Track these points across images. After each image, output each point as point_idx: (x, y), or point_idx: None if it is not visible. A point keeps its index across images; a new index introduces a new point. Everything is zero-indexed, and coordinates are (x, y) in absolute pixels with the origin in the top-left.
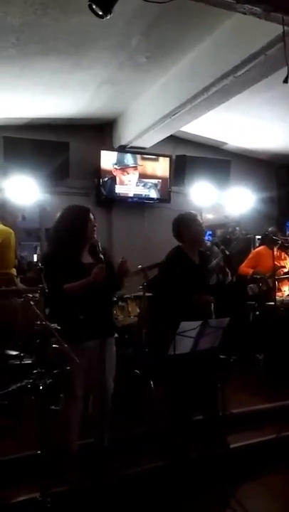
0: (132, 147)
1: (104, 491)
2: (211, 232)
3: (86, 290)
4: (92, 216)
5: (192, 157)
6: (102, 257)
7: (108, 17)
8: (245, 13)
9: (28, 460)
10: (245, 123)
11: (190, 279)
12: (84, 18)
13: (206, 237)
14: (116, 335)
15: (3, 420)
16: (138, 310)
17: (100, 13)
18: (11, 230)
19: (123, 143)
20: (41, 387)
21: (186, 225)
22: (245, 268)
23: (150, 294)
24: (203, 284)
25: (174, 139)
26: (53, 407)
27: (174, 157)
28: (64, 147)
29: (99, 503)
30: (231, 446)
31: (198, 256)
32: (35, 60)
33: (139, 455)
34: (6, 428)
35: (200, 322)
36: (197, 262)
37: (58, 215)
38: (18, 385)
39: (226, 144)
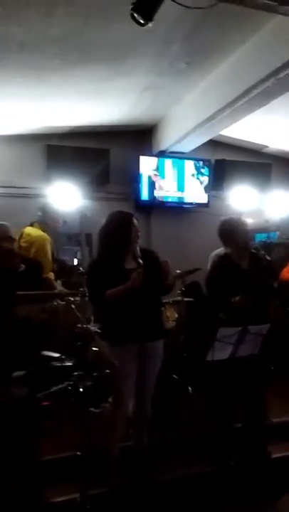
0: (171, 152)
1: (142, 494)
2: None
3: (127, 294)
4: (135, 221)
5: (232, 161)
6: (140, 261)
7: (149, 25)
8: (286, 15)
9: (68, 461)
10: (286, 125)
11: (237, 285)
12: (125, 26)
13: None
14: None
15: (45, 421)
16: (176, 315)
17: (142, 21)
18: (46, 236)
19: (162, 148)
20: (81, 390)
21: (233, 230)
22: (287, 273)
23: (188, 299)
24: (252, 288)
25: (213, 143)
26: (92, 409)
27: (213, 161)
28: (104, 154)
29: (137, 507)
30: (273, 456)
31: (249, 259)
32: (77, 69)
33: (178, 460)
34: (48, 429)
35: (239, 328)
36: (246, 266)
37: (103, 220)
38: (59, 386)
39: (266, 147)
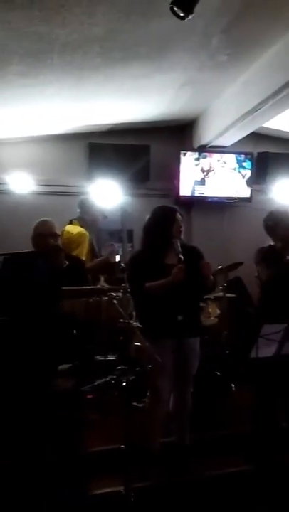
0: (212, 146)
1: (185, 490)
2: None
3: (167, 289)
4: (178, 216)
5: (275, 153)
6: (181, 257)
7: (189, 17)
8: None
9: (112, 453)
10: None
11: (282, 279)
12: (164, 21)
13: None
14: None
15: (90, 414)
16: (218, 311)
17: (182, 14)
18: (84, 232)
19: (203, 143)
20: (124, 384)
21: (278, 223)
22: None
23: (231, 295)
24: None
25: (256, 136)
26: (134, 403)
27: (255, 154)
28: (145, 150)
29: (179, 502)
30: None
31: None
32: (117, 67)
33: (219, 458)
34: (93, 421)
35: (285, 325)
36: None
37: (148, 215)
38: (103, 380)
39: None
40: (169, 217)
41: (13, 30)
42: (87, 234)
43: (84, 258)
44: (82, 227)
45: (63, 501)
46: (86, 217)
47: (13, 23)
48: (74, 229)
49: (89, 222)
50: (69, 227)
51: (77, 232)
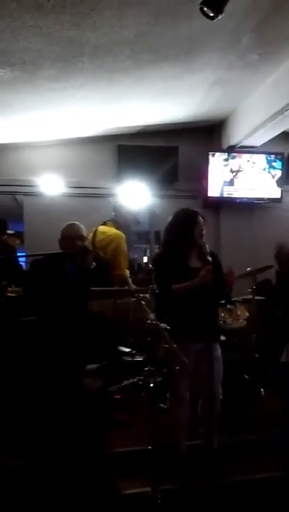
0: (241, 147)
1: (212, 494)
2: None
3: (193, 292)
4: (200, 219)
5: None
6: (209, 259)
7: (219, 17)
8: None
9: (139, 454)
10: None
11: None
12: (194, 22)
13: None
14: (223, 338)
15: (118, 414)
16: (247, 313)
17: (211, 14)
18: (122, 234)
19: (232, 143)
20: (151, 385)
21: None
22: None
23: (260, 298)
24: None
25: (286, 136)
26: (161, 405)
27: (286, 154)
28: (173, 151)
29: (206, 506)
30: None
31: None
32: (147, 69)
33: (249, 462)
34: (121, 421)
35: None
36: None
37: (170, 218)
38: (131, 381)
39: None
40: (191, 220)
41: (45, 35)
42: (124, 236)
43: (122, 259)
44: (116, 229)
45: (94, 500)
46: (120, 220)
47: (44, 29)
48: (110, 230)
49: (122, 225)
50: (104, 228)
51: (115, 233)
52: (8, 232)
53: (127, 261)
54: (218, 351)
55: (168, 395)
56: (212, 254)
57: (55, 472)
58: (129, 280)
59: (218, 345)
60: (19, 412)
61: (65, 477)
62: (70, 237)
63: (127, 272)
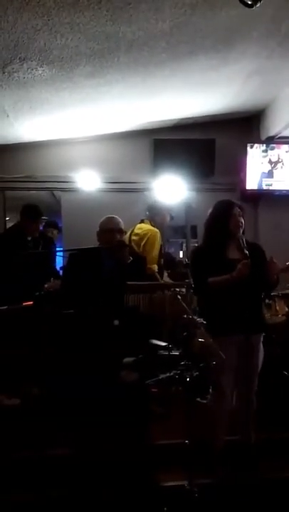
0: (281, 137)
1: (249, 490)
2: None
3: (231, 285)
4: (236, 210)
5: None
6: (246, 252)
7: (258, 5)
8: None
9: (176, 448)
10: None
11: None
12: (232, 11)
13: None
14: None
15: (155, 407)
16: (286, 309)
17: (250, 2)
18: (156, 230)
19: (271, 134)
20: (188, 379)
21: None
22: None
23: None
24: None
25: None
26: (198, 399)
27: None
28: (210, 144)
29: (243, 502)
30: None
31: None
32: (183, 61)
33: (285, 459)
34: (158, 415)
35: None
36: None
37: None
38: (167, 374)
39: None
40: (227, 211)
41: (82, 32)
42: (159, 232)
43: (153, 254)
44: (152, 226)
45: (132, 492)
46: (156, 218)
47: (81, 25)
48: (146, 226)
49: (158, 222)
50: (140, 225)
51: (149, 229)
52: (44, 218)
53: (157, 256)
54: (260, 344)
55: (211, 390)
56: (254, 246)
57: (94, 463)
58: (157, 275)
59: (260, 338)
60: (59, 402)
61: (104, 468)
62: (111, 229)
63: (155, 267)
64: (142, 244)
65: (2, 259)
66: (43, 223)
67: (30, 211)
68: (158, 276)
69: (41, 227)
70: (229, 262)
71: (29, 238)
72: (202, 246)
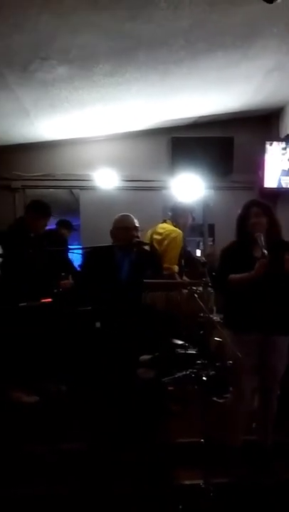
0: None
1: (265, 491)
2: None
3: (250, 283)
4: (254, 210)
5: None
6: (264, 251)
7: (278, 0)
8: None
9: (192, 446)
10: None
11: None
12: (252, 7)
13: None
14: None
15: (171, 405)
16: None
17: None
18: (179, 231)
19: None
20: (204, 378)
21: None
22: None
23: None
24: None
25: None
26: (214, 398)
27: None
28: (228, 142)
29: (259, 503)
30: None
31: None
32: (202, 59)
33: None
34: (174, 413)
35: None
36: None
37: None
38: (183, 373)
39: None
40: (244, 211)
41: (101, 31)
42: (182, 233)
43: (174, 254)
44: (175, 227)
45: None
46: (179, 219)
47: (100, 24)
48: (168, 226)
49: (181, 223)
50: (163, 225)
51: (172, 230)
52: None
53: (178, 257)
54: (283, 346)
55: (230, 390)
56: (280, 243)
57: (110, 459)
58: (177, 276)
59: (285, 340)
60: (77, 399)
61: (120, 465)
62: (127, 227)
63: (176, 268)
64: (165, 244)
65: (14, 256)
66: (56, 222)
67: (38, 207)
68: (178, 277)
69: (54, 226)
70: (255, 260)
71: (32, 235)
72: (232, 243)
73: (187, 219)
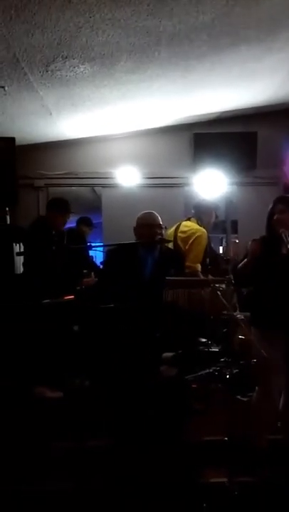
0: None
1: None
2: None
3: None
4: (279, 207)
5: None
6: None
7: None
8: None
9: (216, 445)
10: None
11: None
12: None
13: None
14: None
15: (194, 403)
16: None
17: None
18: (204, 230)
19: None
20: (228, 376)
21: None
22: None
23: None
24: None
25: None
26: (239, 397)
27: None
28: (252, 137)
29: (283, 503)
30: None
31: None
32: (225, 53)
33: None
34: (198, 411)
35: None
36: None
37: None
38: (207, 371)
39: None
40: (271, 208)
41: (122, 28)
42: (206, 232)
43: (199, 253)
44: (199, 225)
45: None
46: (202, 216)
47: (122, 21)
48: (193, 225)
49: (205, 221)
50: (187, 223)
51: (197, 228)
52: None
53: (200, 255)
54: None
55: (256, 388)
56: None
57: (133, 456)
58: (200, 273)
59: None
60: (98, 396)
61: (143, 462)
62: (151, 225)
63: (199, 267)
64: (190, 242)
65: (36, 253)
66: (77, 219)
67: (58, 205)
68: (200, 275)
69: (74, 224)
70: (279, 258)
71: (53, 232)
72: (263, 241)
73: (211, 217)
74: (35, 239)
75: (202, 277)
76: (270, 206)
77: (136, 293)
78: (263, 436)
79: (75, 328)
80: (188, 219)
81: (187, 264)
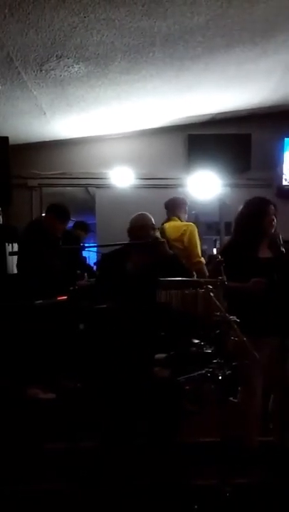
0: None
1: (281, 492)
2: None
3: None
4: (271, 208)
5: None
6: (283, 250)
7: None
8: None
9: (208, 446)
10: None
11: None
12: (270, 2)
13: None
14: None
15: (187, 404)
16: None
17: None
18: (191, 223)
19: None
20: (220, 378)
21: None
22: None
23: None
24: None
25: None
26: (231, 398)
27: None
28: (245, 139)
29: (275, 503)
30: None
31: None
32: (219, 55)
33: None
34: (191, 412)
35: None
36: None
37: (240, 207)
38: (199, 372)
39: None
40: (262, 209)
41: (117, 28)
42: (193, 225)
43: (198, 247)
44: (181, 221)
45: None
46: (180, 214)
47: (116, 21)
48: (179, 222)
49: (183, 217)
50: (171, 223)
51: (187, 224)
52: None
53: (199, 249)
54: None
55: (239, 388)
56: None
57: (125, 457)
58: (205, 268)
59: None
60: (91, 397)
61: (135, 464)
62: (145, 226)
63: (203, 260)
64: (186, 239)
65: (31, 254)
66: (73, 223)
67: (59, 212)
68: (206, 270)
69: (70, 226)
70: (260, 261)
71: (50, 235)
72: (232, 242)
73: (186, 212)
74: (31, 241)
75: (206, 272)
76: (254, 207)
77: (129, 294)
78: (252, 436)
79: (81, 326)
80: (169, 219)
81: (194, 260)
